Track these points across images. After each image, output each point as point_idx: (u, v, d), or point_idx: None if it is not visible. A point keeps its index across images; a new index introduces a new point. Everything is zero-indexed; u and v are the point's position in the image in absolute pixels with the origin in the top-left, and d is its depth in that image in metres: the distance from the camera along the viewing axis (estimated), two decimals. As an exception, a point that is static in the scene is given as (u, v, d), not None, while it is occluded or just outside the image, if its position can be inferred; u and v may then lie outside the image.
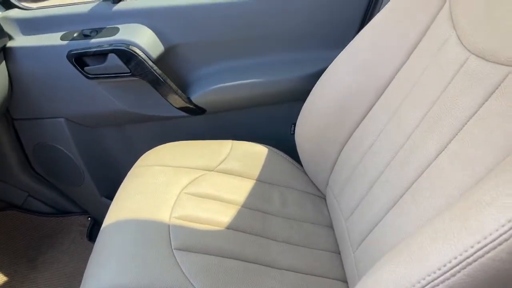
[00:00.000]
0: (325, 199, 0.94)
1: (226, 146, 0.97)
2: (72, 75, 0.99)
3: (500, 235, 0.38)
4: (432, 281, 0.42)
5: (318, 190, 0.95)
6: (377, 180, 0.71)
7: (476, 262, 0.39)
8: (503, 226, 0.38)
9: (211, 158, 0.94)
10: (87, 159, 1.15)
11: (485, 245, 0.38)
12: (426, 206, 0.58)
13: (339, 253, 0.82)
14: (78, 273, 1.14)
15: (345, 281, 0.77)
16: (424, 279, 0.42)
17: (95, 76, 0.98)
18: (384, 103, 0.75)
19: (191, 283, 0.68)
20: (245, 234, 0.79)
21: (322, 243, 0.83)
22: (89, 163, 1.16)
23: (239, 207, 0.84)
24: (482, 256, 0.38)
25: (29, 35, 1.00)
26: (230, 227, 0.80)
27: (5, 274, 1.13)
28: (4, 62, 0.98)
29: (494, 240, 0.38)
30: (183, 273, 0.69)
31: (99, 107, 1.05)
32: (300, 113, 0.92)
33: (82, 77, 0.98)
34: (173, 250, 0.72)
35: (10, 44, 0.98)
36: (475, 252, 0.39)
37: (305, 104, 0.91)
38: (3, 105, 1.00)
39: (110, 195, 1.20)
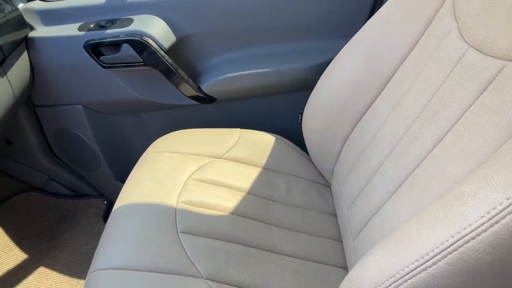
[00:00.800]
0: (330, 188, 0.95)
1: (234, 134, 0.99)
2: (89, 64, 1.02)
3: (479, 226, 0.38)
4: (415, 269, 0.42)
5: (324, 178, 0.96)
6: (377, 170, 0.72)
7: (456, 252, 0.39)
8: (482, 217, 0.39)
9: (219, 145, 0.96)
10: (103, 144, 1.19)
11: (465, 235, 0.39)
12: (421, 197, 0.58)
13: (342, 241, 0.84)
14: (94, 253, 1.19)
15: (345, 268, 0.78)
16: (407, 267, 0.43)
17: (110, 65, 1.01)
18: (387, 95, 0.76)
19: (194, 265, 0.70)
20: (248, 220, 0.81)
21: (325, 231, 0.84)
22: (104, 149, 1.20)
23: (245, 193, 0.86)
24: (462, 246, 0.39)
25: (49, 25, 1.04)
26: (235, 212, 0.82)
27: (26, 252, 1.19)
28: (26, 52, 1.03)
29: (473, 230, 0.39)
30: (187, 255, 0.72)
31: (113, 95, 1.09)
32: (307, 103, 0.92)
33: (98, 66, 1.02)
34: (178, 233, 0.75)
35: (31, 34, 1.03)
36: (455, 242, 0.40)
37: (311, 95, 0.91)
38: (25, 92, 1.05)
39: (124, 180, 1.23)
